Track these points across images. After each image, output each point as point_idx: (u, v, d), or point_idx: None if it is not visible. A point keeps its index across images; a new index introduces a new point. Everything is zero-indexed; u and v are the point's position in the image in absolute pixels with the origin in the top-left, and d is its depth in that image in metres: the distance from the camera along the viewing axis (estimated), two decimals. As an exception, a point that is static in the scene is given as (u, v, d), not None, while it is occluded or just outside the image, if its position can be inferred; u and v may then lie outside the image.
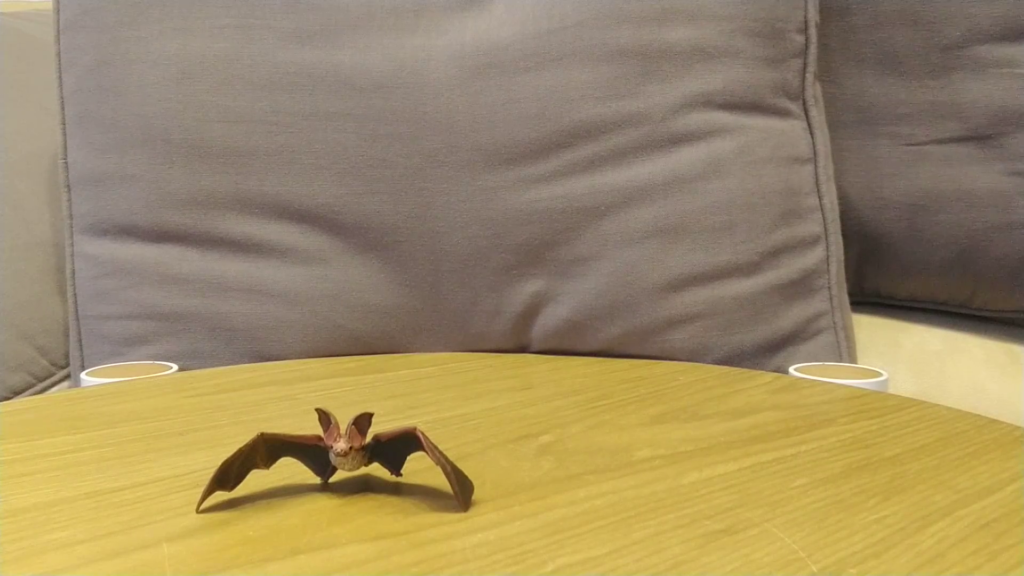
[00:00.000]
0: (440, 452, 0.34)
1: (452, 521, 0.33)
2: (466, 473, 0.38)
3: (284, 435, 0.35)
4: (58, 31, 0.71)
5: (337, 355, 0.68)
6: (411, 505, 0.35)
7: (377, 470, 0.38)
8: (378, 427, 0.45)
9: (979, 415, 0.46)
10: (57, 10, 0.71)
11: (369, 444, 0.35)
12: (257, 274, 0.68)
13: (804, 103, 0.70)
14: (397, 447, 0.36)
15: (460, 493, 0.34)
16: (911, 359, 0.71)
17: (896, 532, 0.32)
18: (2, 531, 0.33)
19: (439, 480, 0.37)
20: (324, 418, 0.35)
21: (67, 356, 0.76)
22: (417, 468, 0.39)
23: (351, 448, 0.34)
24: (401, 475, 0.38)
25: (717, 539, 0.31)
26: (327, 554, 0.30)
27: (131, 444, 0.43)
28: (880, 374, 0.59)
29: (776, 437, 0.43)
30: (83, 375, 0.63)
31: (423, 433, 0.34)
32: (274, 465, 0.38)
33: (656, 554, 0.30)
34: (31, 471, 0.39)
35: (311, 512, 0.34)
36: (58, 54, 0.71)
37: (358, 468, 0.35)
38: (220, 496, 0.36)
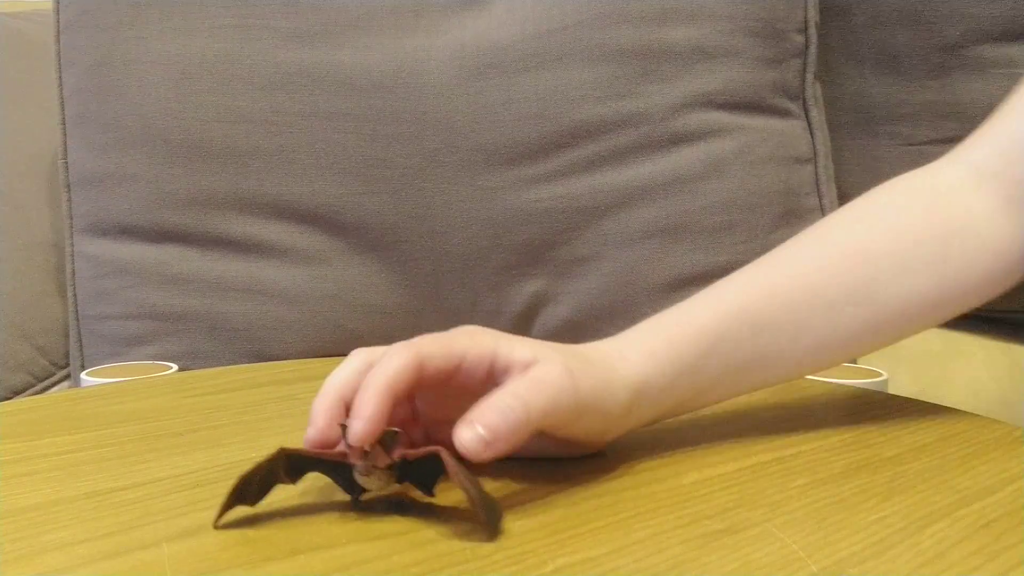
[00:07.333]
0: (465, 475, 0.31)
1: (452, 521, 0.33)
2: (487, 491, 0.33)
3: (308, 451, 0.34)
4: (58, 31, 0.71)
5: (337, 355, 0.68)
6: (411, 505, 0.35)
7: (409, 488, 0.35)
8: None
9: (979, 415, 0.46)
10: (57, 10, 0.71)
11: (396, 463, 0.33)
12: (257, 274, 0.68)
13: (804, 103, 0.70)
14: (427, 467, 0.33)
15: (487, 520, 0.31)
16: (911, 359, 0.71)
17: (896, 532, 0.32)
18: (2, 531, 0.32)
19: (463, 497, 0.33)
20: (346, 433, 0.33)
21: (67, 356, 0.76)
22: (447, 484, 0.34)
23: (374, 467, 0.32)
24: (435, 495, 0.34)
25: (717, 539, 0.31)
26: (327, 554, 0.30)
27: (131, 444, 0.43)
28: (880, 374, 0.59)
29: (776, 437, 0.43)
30: (83, 375, 0.63)
31: (447, 455, 0.32)
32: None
33: (656, 554, 0.30)
34: (31, 471, 0.39)
35: (311, 512, 0.34)
36: (58, 54, 0.71)
37: (386, 488, 0.33)
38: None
